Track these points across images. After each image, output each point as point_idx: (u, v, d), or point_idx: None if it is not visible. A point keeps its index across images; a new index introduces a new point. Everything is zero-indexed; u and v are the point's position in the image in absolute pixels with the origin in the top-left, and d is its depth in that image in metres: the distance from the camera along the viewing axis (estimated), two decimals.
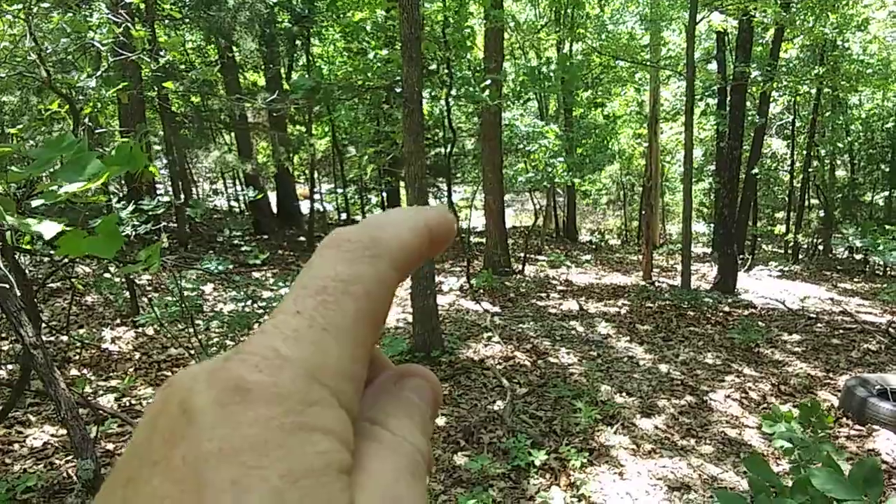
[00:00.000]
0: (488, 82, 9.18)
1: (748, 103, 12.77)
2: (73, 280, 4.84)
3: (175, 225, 12.30)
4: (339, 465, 0.21)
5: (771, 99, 14.80)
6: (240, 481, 0.19)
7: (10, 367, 5.52)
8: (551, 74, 11.87)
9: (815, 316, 9.37)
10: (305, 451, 0.20)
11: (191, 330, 5.08)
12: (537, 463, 4.34)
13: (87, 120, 4.56)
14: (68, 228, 1.76)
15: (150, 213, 5.14)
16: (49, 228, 1.70)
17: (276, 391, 0.21)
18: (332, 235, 0.27)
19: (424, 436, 0.26)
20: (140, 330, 6.69)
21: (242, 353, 0.22)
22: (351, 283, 0.24)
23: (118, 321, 7.11)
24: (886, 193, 17.04)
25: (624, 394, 5.89)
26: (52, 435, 4.39)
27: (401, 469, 0.24)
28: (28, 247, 3.44)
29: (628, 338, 7.86)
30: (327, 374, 0.22)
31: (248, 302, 5.21)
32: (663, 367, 6.72)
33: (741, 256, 13.18)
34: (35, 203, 1.70)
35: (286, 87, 13.28)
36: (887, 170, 16.86)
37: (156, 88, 9.42)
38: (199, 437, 0.20)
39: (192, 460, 0.19)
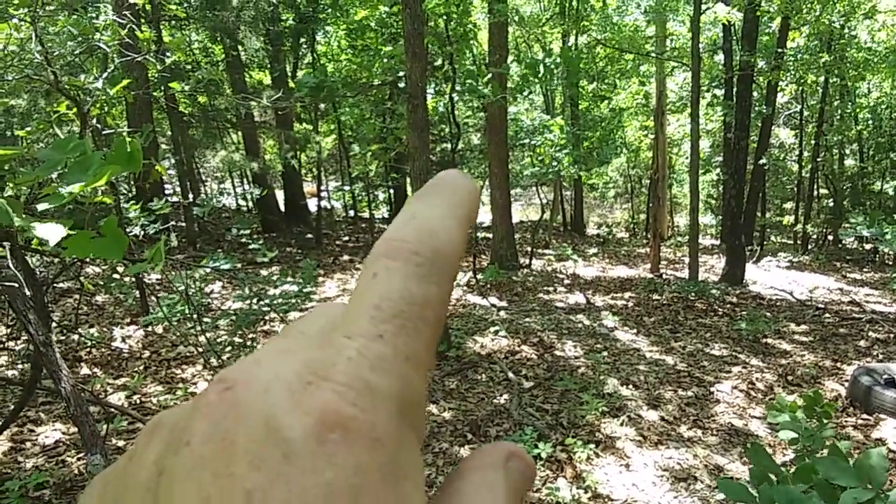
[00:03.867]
0: (489, 76, 9.17)
1: (755, 93, 12.69)
2: (82, 280, 4.90)
3: (183, 224, 12.39)
4: None
5: (778, 89, 14.71)
6: None
7: (21, 366, 5.60)
8: (553, 68, 11.85)
9: (823, 306, 9.34)
10: (399, 500, 0.20)
11: (199, 328, 5.13)
12: (544, 455, 4.36)
13: (94, 121, 4.61)
14: (73, 232, 1.79)
15: (158, 212, 5.19)
16: (54, 232, 1.73)
17: (375, 435, 0.20)
18: (392, 243, 0.24)
19: None
20: (150, 328, 6.76)
21: (331, 380, 0.21)
22: (424, 307, 0.23)
23: (128, 320, 7.18)
24: None
25: (630, 386, 5.90)
26: (64, 433, 4.45)
27: None
28: (38, 247, 3.49)
29: (635, 330, 7.87)
30: (411, 411, 0.22)
31: (255, 300, 5.26)
32: (670, 359, 6.73)
33: (749, 248, 13.13)
34: (42, 206, 1.72)
35: (292, 85, 13.33)
36: None
37: (162, 89, 9.49)
38: (302, 478, 0.19)
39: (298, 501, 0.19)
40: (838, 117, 17.36)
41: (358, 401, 0.20)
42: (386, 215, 19.71)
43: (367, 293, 0.23)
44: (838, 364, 6.65)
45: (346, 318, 0.23)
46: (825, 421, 2.97)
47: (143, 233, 5.46)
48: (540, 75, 11.51)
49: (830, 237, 18.14)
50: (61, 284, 7.24)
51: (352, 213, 19.47)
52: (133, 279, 6.79)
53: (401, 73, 9.99)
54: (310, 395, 0.20)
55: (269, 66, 14.76)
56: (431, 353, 0.23)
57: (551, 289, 10.48)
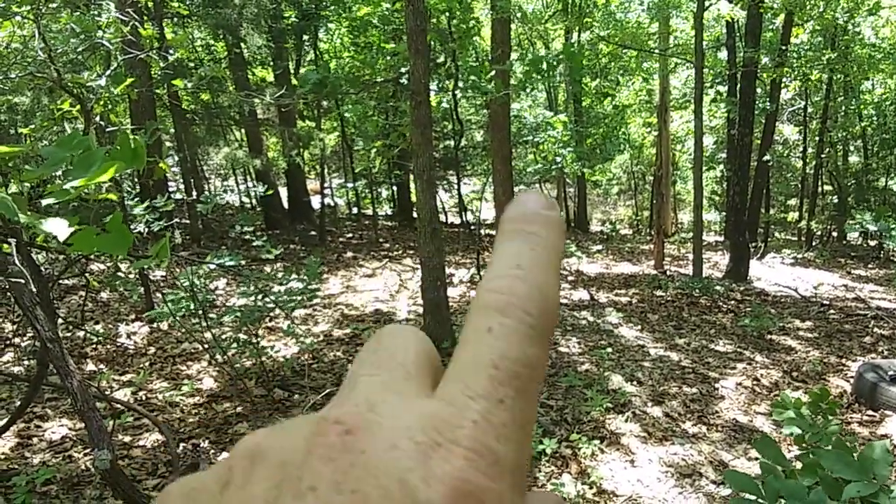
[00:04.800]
0: (493, 73, 9.16)
1: (759, 90, 12.65)
2: (87, 276, 4.91)
3: (187, 221, 12.41)
4: None
5: (782, 85, 14.66)
6: None
7: (27, 362, 5.62)
8: (555, 64, 11.83)
9: (828, 302, 9.32)
10: None
11: (204, 324, 5.14)
12: (548, 451, 4.36)
13: (98, 118, 4.62)
14: (80, 227, 1.79)
15: (162, 209, 5.21)
16: (60, 227, 1.73)
17: None
18: (504, 298, 0.24)
19: None
20: (155, 325, 6.77)
21: (460, 445, 0.21)
22: (535, 370, 0.23)
23: (133, 317, 7.20)
24: None
25: (635, 382, 5.90)
26: (70, 428, 4.47)
27: None
28: (43, 244, 3.50)
29: (639, 327, 7.87)
30: (522, 479, 0.22)
31: (259, 296, 5.26)
32: (674, 356, 6.73)
33: (753, 244, 13.11)
34: (46, 202, 1.72)
35: (294, 82, 13.33)
36: None
37: (165, 86, 9.50)
38: None
39: None
40: (842, 114, 17.30)
41: (489, 471, 0.20)
42: (389, 212, 19.71)
43: (483, 348, 0.23)
44: (843, 360, 6.64)
45: (463, 370, 0.23)
46: (830, 417, 2.96)
47: (147, 230, 5.47)
48: (542, 72, 11.49)
49: (835, 234, 18.10)
50: (67, 281, 7.26)
51: (355, 210, 19.48)
52: (138, 276, 6.81)
53: (403, 70, 9.98)
54: (442, 459, 0.20)
55: (271, 63, 14.76)
56: (535, 416, 0.23)
57: None
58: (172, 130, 12.69)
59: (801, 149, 17.75)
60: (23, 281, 2.92)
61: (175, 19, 11.92)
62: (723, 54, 14.73)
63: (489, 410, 0.21)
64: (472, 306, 0.25)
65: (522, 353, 0.23)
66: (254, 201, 18.10)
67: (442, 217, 15.24)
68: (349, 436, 0.21)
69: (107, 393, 4.96)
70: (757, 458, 4.25)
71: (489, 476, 0.20)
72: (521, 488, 0.22)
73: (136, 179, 9.36)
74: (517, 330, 0.23)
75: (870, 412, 5.22)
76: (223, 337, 5.52)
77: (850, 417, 5.18)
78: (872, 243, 16.21)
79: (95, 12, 5.68)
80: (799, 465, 2.37)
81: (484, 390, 0.22)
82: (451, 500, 0.19)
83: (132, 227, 5.34)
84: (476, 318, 0.24)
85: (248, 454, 0.22)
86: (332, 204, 17.56)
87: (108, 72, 4.75)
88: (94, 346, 6.23)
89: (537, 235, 0.26)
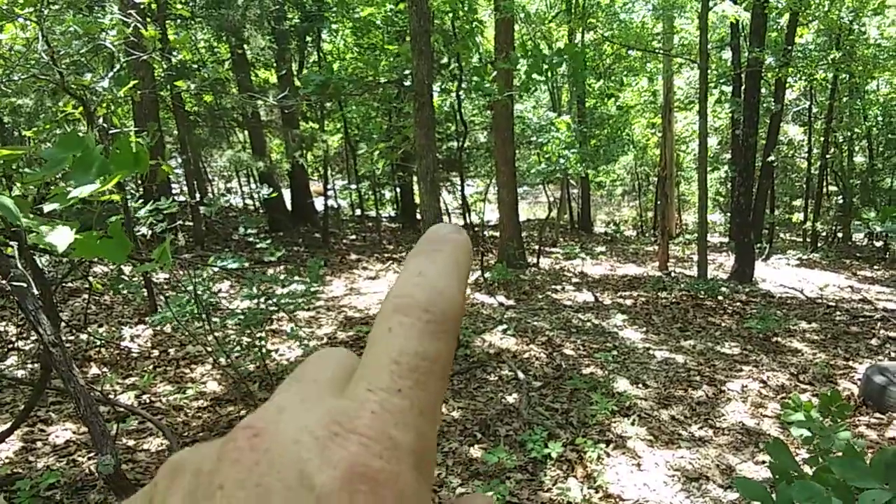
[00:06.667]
0: (495, 74, 9.13)
1: (763, 90, 12.58)
2: (90, 280, 4.90)
3: (191, 223, 12.40)
4: None
5: (787, 85, 14.61)
6: None
7: (31, 366, 5.61)
8: (556, 63, 11.79)
9: (834, 304, 9.27)
10: None
11: (207, 327, 5.12)
12: (554, 455, 4.33)
13: (101, 120, 4.61)
14: (82, 234, 1.77)
15: (165, 212, 5.19)
16: (62, 237, 1.71)
17: (400, 487, 0.21)
18: (404, 300, 0.26)
19: None
20: (158, 328, 6.76)
21: (357, 433, 0.22)
22: (435, 363, 0.25)
23: (136, 319, 7.18)
24: None
25: (640, 385, 5.86)
26: (74, 432, 4.45)
27: None
28: (46, 247, 3.48)
29: (644, 329, 7.83)
30: (426, 463, 0.23)
31: (263, 299, 5.24)
32: (680, 358, 6.69)
33: (758, 245, 13.04)
34: (48, 208, 1.70)
35: (298, 84, 13.31)
36: None
37: (168, 88, 9.50)
38: None
39: None
40: (847, 114, 17.23)
41: (384, 454, 0.22)
42: (392, 214, 19.68)
43: (385, 347, 0.25)
44: (850, 363, 6.60)
45: (366, 369, 0.25)
46: (839, 420, 2.92)
47: (150, 232, 5.46)
48: (543, 70, 11.46)
49: (840, 234, 18.02)
50: (70, 284, 7.25)
51: (358, 211, 19.46)
52: (141, 278, 6.80)
53: (407, 72, 9.96)
54: (338, 446, 0.21)
55: (274, 64, 14.74)
56: (440, 405, 0.25)
57: (559, 287, 10.44)
58: (175, 132, 12.69)
59: (805, 149, 17.70)
60: (25, 284, 2.90)
61: (178, 21, 11.91)
62: (727, 54, 14.67)
63: (387, 400, 0.23)
64: (378, 314, 0.26)
65: (422, 347, 0.24)
66: (257, 203, 18.11)
67: (445, 218, 15.17)
68: (256, 438, 0.22)
69: (111, 396, 4.95)
70: (764, 462, 4.21)
71: (385, 458, 0.22)
72: (427, 472, 0.23)
73: (139, 181, 9.36)
74: (415, 326, 0.25)
75: (878, 414, 5.18)
76: (227, 340, 5.50)
77: (858, 420, 5.14)
78: (878, 244, 16.14)
79: (99, 14, 5.67)
80: (808, 468, 2.33)
81: (384, 384, 0.23)
82: (346, 482, 0.21)
83: (136, 229, 5.33)
84: (379, 322, 0.26)
85: (170, 469, 0.24)
86: (336, 206, 17.54)
87: (111, 74, 4.74)
88: (97, 349, 6.22)
89: (440, 251, 0.28)
